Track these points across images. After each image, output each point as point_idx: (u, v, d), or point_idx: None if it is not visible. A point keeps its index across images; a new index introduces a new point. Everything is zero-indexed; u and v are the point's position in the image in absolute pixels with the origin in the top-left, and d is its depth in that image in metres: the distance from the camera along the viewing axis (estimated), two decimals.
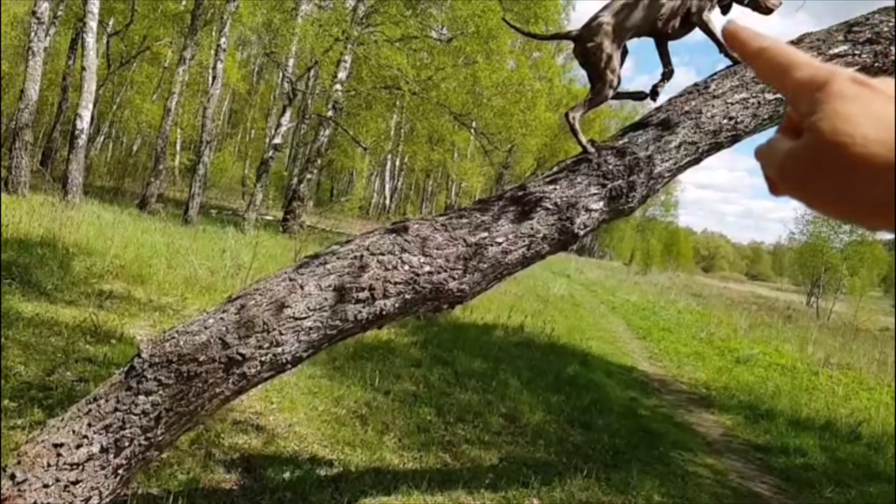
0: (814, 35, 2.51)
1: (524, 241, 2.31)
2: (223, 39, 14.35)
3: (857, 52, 2.46)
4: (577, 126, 2.29)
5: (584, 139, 2.30)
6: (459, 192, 38.60)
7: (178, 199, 17.72)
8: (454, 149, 32.73)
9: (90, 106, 11.38)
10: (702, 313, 15.96)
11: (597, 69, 2.22)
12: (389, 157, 35.08)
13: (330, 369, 4.87)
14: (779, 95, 2.46)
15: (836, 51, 2.46)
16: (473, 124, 19.24)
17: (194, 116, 22.99)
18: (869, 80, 0.35)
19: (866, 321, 25.23)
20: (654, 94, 2.46)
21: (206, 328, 1.97)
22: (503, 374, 5.62)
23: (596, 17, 2.23)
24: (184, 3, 19.53)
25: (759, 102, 2.42)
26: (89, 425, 1.69)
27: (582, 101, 2.32)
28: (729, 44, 0.40)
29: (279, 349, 1.99)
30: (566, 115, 2.31)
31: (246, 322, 1.97)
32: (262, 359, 1.99)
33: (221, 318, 1.99)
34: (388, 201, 37.65)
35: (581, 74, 40.05)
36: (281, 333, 1.99)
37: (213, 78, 14.28)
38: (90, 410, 1.70)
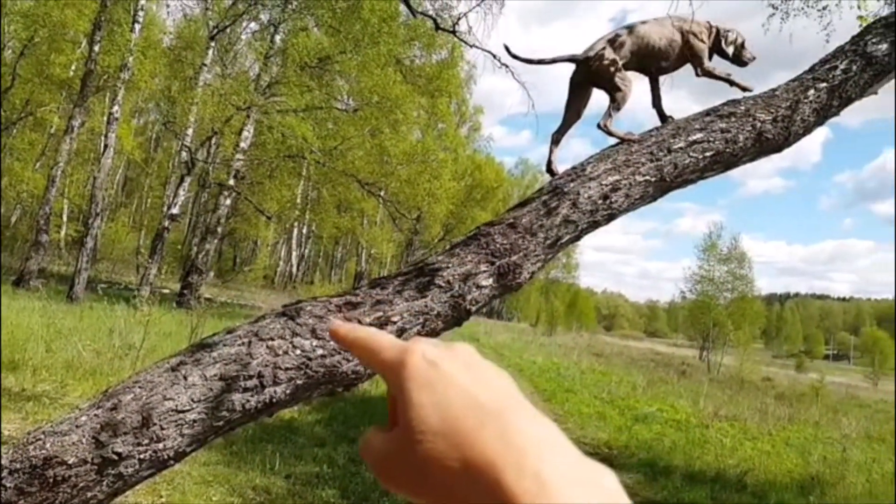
0: (676, 122, 2.78)
1: (419, 318, 2.34)
2: (116, 107, 13.91)
3: (711, 139, 2.74)
4: (613, 129, 2.56)
5: (622, 134, 2.54)
6: (370, 259, 38.48)
7: (64, 273, 16.53)
8: (363, 216, 32.83)
9: None
10: (603, 372, 16.49)
11: (611, 82, 2.56)
12: (296, 224, 34.62)
13: (227, 454, 4.61)
14: (647, 177, 2.70)
15: (693, 138, 2.73)
16: (381, 192, 19.48)
17: (84, 186, 21.85)
18: (439, 360, 0.35)
19: (750, 372, 26.96)
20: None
21: (77, 427, 1.84)
22: None
23: (594, 45, 2.58)
24: (73, 68, 18.87)
25: (630, 184, 2.63)
26: None
27: (607, 111, 2.60)
28: (333, 340, 0.41)
29: (160, 445, 1.89)
30: (599, 125, 2.58)
31: (123, 418, 1.86)
32: (141, 456, 1.87)
33: (96, 415, 1.87)
34: (294, 270, 36.90)
35: (484, 145, 41.81)
36: (162, 428, 1.89)
37: (105, 147, 13.74)
38: None
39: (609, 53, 2.56)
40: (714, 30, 2.82)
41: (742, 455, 7.46)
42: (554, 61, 2.78)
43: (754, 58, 2.87)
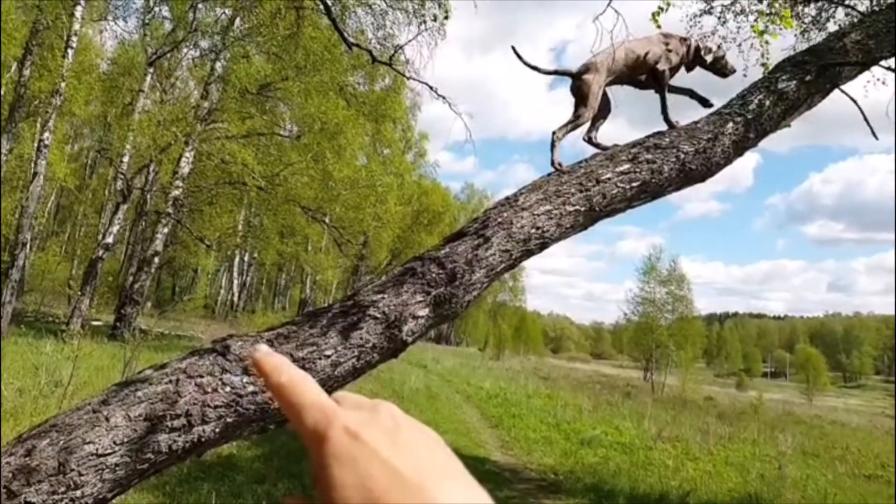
0: (605, 153, 2.87)
1: (354, 351, 2.32)
2: (47, 134, 13.37)
3: (638, 170, 2.84)
4: (557, 144, 2.67)
5: (556, 157, 2.64)
6: (315, 286, 37.87)
7: None
8: (307, 242, 32.34)
9: None
10: (550, 396, 16.60)
11: (584, 98, 2.71)
12: (237, 252, 33.83)
13: (159, 496, 4.41)
14: (577, 207, 2.77)
15: (621, 168, 2.83)
16: (326, 218, 19.28)
17: (11, 214, 20.81)
18: (360, 430, 0.35)
19: (693, 392, 27.69)
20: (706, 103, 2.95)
21: None
22: None
23: (592, 59, 2.74)
24: (2, 93, 18.10)
25: (560, 214, 2.69)
26: None
27: (566, 122, 2.73)
28: (255, 371, 0.40)
29: (78, 492, 1.79)
30: (553, 132, 2.69)
31: (37, 465, 1.77)
32: None
33: (7, 463, 1.76)
34: (236, 298, 35.97)
35: (430, 171, 42.15)
36: (80, 474, 1.80)
37: (35, 174, 13.17)
38: None
39: (589, 77, 2.72)
40: (694, 44, 3.01)
41: (684, 476, 7.62)
42: (555, 72, 2.97)
43: (734, 70, 3.08)
